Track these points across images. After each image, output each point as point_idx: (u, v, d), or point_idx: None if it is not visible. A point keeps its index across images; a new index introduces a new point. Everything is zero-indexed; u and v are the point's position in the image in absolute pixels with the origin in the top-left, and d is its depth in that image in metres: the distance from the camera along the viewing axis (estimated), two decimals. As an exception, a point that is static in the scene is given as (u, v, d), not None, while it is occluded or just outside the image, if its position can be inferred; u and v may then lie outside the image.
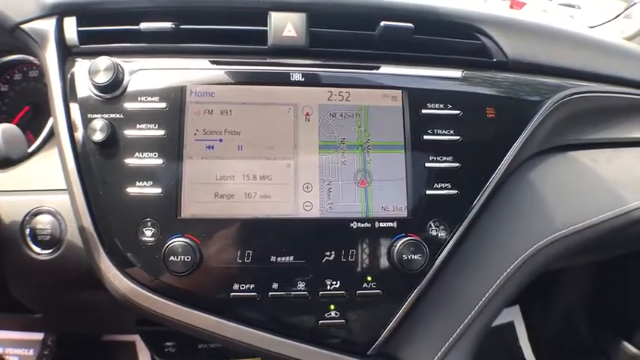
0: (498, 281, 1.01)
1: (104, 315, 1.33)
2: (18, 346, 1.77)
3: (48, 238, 0.99)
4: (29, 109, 1.20)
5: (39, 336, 1.74)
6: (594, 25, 1.76)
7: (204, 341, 1.51)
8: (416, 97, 0.98)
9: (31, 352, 1.75)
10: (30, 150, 1.10)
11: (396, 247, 0.91)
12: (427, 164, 0.96)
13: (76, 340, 1.79)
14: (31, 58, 1.16)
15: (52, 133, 1.11)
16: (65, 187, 0.94)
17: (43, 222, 0.99)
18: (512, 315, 2.16)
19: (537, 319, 2.12)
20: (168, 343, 1.48)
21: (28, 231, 0.99)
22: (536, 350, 2.11)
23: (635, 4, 1.64)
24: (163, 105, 0.92)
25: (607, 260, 1.64)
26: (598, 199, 1.12)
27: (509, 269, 1.02)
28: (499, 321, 2.11)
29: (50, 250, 0.99)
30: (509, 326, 2.15)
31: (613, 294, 1.85)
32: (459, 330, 1.00)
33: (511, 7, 2.38)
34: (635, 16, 1.60)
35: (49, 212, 0.99)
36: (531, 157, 1.10)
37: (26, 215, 0.99)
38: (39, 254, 1.00)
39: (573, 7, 2.30)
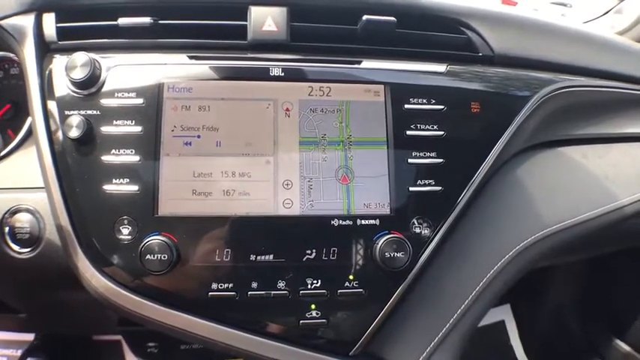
0: (485, 279, 1.00)
1: (88, 315, 1.32)
2: (6, 346, 1.77)
3: (27, 236, 0.97)
4: (10, 107, 1.19)
5: (26, 336, 1.74)
6: (585, 21, 1.76)
7: (186, 342, 1.50)
8: (399, 92, 0.96)
9: (19, 352, 1.75)
10: (9, 148, 1.09)
11: (379, 245, 0.90)
12: (410, 160, 0.94)
13: (63, 339, 1.78)
14: (12, 56, 1.14)
15: (31, 131, 1.09)
16: (43, 185, 0.92)
17: (22, 220, 0.98)
18: (504, 314, 2.16)
19: (528, 317, 2.12)
20: (150, 344, 1.47)
21: (7, 229, 0.98)
22: (528, 349, 2.11)
23: (625, -1, 1.63)
24: (140, 101, 0.91)
25: (598, 257, 1.63)
26: (588, 195, 1.11)
27: (496, 267, 1.00)
28: (490, 320, 2.11)
29: (29, 249, 0.98)
30: (501, 325, 2.15)
31: (605, 292, 1.85)
32: (444, 329, 0.98)
33: (502, 6, 2.38)
34: (626, 12, 1.60)
35: (27, 210, 0.98)
36: (519, 152, 1.09)
37: (5, 214, 0.98)
38: (18, 253, 0.98)
39: (565, 5, 2.30)
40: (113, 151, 0.89)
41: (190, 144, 0.90)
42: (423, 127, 0.96)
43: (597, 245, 1.35)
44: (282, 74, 0.95)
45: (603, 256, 1.54)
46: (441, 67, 1.01)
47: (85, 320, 1.43)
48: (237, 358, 0.97)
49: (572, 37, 1.17)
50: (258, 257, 0.90)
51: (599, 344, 1.82)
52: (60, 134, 0.91)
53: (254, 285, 0.90)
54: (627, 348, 1.70)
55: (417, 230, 0.93)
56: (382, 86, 0.96)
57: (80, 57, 0.90)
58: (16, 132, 1.14)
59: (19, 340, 1.77)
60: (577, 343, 1.94)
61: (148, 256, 0.85)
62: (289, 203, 0.91)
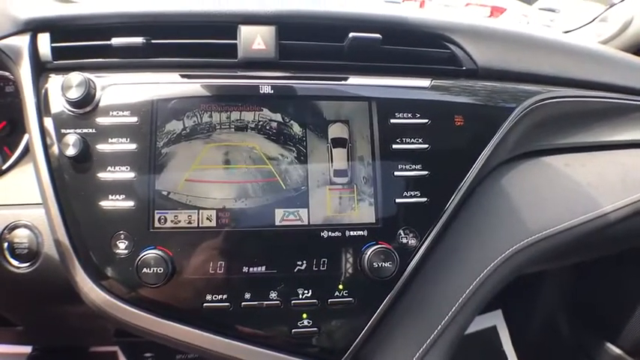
0: (471, 287, 1.02)
1: (85, 326, 1.33)
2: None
3: (26, 251, 0.99)
4: (6, 124, 1.20)
5: (23, 349, 1.74)
6: (570, 29, 1.78)
7: (182, 352, 1.52)
8: (384, 107, 0.99)
9: (15, 366, 1.75)
10: (6, 165, 1.12)
11: (367, 255, 0.93)
12: (396, 173, 0.97)
13: (60, 352, 1.78)
14: (7, 74, 1.16)
15: (28, 149, 1.11)
16: (41, 202, 0.95)
17: (21, 236, 1.00)
18: (495, 320, 2.16)
19: (520, 323, 2.13)
20: (147, 354, 1.48)
21: (5, 245, 1.00)
22: (520, 354, 2.11)
23: (613, 5, 1.64)
24: (134, 119, 0.93)
25: (587, 262, 1.65)
26: (572, 202, 1.13)
27: (481, 275, 1.03)
28: (482, 326, 2.12)
29: (28, 264, 1.00)
30: (492, 331, 2.15)
31: (595, 296, 1.85)
32: (432, 336, 1.00)
33: (491, 13, 2.40)
34: (611, 20, 1.61)
35: (25, 226, 1.00)
36: (503, 162, 1.11)
37: (4, 229, 1.00)
38: (17, 267, 1.00)
39: (553, 11, 2.32)
40: (109, 168, 0.92)
41: (184, 160, 0.93)
42: (408, 140, 0.98)
43: (582, 251, 1.36)
44: (272, 92, 0.97)
45: (594, 260, 1.56)
46: (426, 82, 1.03)
47: (82, 332, 1.44)
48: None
49: (554, 49, 1.19)
50: (251, 269, 0.92)
51: (591, 348, 1.82)
52: (57, 152, 0.93)
53: (247, 296, 0.92)
54: (618, 351, 1.70)
55: (404, 240, 0.96)
56: (368, 102, 0.99)
57: (75, 77, 0.92)
58: (12, 149, 1.16)
59: (16, 352, 1.77)
60: (569, 348, 1.95)
61: (145, 270, 0.88)
62: (281, 216, 0.94)
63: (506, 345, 2.14)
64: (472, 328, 2.04)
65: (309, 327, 0.94)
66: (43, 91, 0.97)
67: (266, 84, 0.97)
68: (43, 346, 1.74)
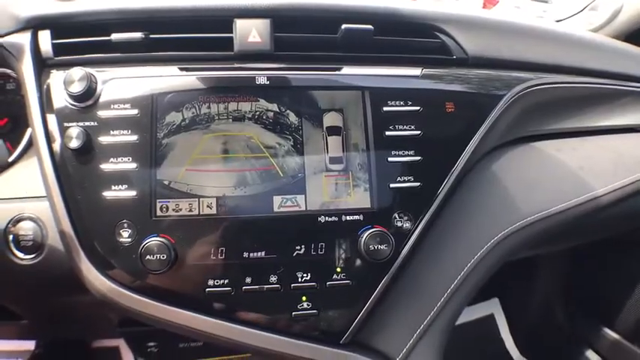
0: (464, 270, 1.05)
1: (88, 318, 1.36)
2: (5, 356, 1.78)
3: (30, 243, 1.02)
4: (7, 121, 1.22)
5: (26, 345, 1.76)
6: (562, 18, 1.80)
7: (185, 340, 1.54)
8: (377, 96, 1.02)
9: (19, 361, 1.77)
10: (10, 160, 1.13)
11: (363, 239, 0.95)
12: (390, 159, 1.00)
13: (63, 348, 1.80)
14: (8, 71, 1.18)
15: (30, 143, 1.13)
16: (45, 194, 0.97)
17: (25, 228, 1.02)
18: (493, 308, 2.19)
19: (517, 310, 2.15)
20: (150, 343, 1.50)
21: (11, 237, 1.02)
22: (518, 341, 2.14)
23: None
24: (135, 112, 0.95)
25: (583, 248, 1.66)
26: (563, 186, 1.15)
27: (474, 258, 1.05)
28: (480, 314, 2.14)
29: (33, 255, 1.02)
30: (490, 319, 2.18)
31: (592, 282, 1.88)
32: (428, 318, 1.03)
33: (484, 4, 2.41)
34: (601, 8, 1.63)
35: (30, 219, 1.02)
36: (495, 148, 1.14)
37: (8, 222, 1.02)
38: (22, 259, 1.02)
39: (546, 2, 2.33)
40: (111, 159, 0.94)
41: (184, 150, 0.95)
42: (401, 127, 1.01)
43: (575, 235, 1.38)
44: (268, 82, 1.00)
45: (589, 245, 1.57)
46: (417, 71, 1.06)
47: (86, 324, 1.46)
48: (234, 351, 1.01)
49: (543, 37, 1.22)
50: (251, 254, 0.95)
51: (589, 333, 1.85)
52: (60, 145, 0.95)
53: (248, 280, 0.95)
54: (616, 336, 1.73)
55: (399, 224, 0.98)
56: (361, 91, 1.02)
57: (77, 72, 0.94)
58: (14, 144, 1.18)
59: (19, 349, 1.79)
60: (567, 333, 1.97)
61: (148, 257, 0.90)
62: (279, 203, 0.96)
63: (503, 332, 2.17)
64: (470, 317, 2.07)
65: (309, 309, 0.97)
66: (45, 86, 0.99)
67: (262, 75, 1.00)
68: (46, 340, 1.75)
